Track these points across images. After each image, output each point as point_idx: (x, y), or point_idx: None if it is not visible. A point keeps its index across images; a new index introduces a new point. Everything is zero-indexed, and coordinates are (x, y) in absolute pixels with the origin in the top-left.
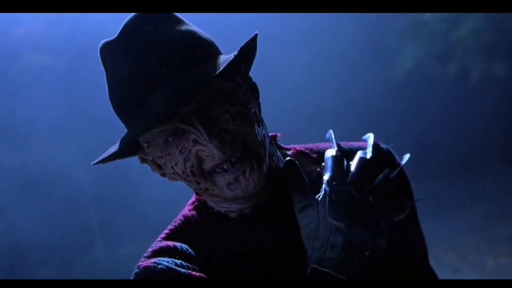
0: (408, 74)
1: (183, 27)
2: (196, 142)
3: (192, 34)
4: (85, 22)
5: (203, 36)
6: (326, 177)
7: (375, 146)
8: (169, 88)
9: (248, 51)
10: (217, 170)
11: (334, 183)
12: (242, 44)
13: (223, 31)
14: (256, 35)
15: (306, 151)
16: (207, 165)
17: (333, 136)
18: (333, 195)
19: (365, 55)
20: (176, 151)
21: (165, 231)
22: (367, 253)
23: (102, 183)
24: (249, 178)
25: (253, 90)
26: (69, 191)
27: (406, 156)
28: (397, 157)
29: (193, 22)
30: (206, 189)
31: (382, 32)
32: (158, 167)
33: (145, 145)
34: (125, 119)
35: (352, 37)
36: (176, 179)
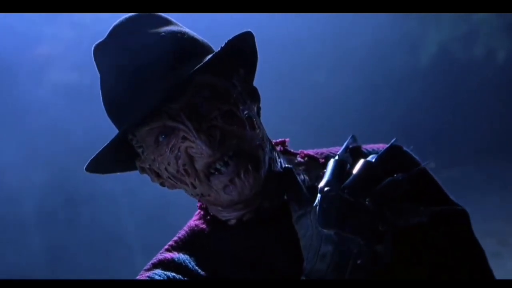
0: (434, 59)
1: (174, 28)
2: (184, 138)
3: (182, 34)
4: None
5: (195, 36)
6: (321, 183)
7: (390, 149)
8: (158, 86)
9: (248, 55)
10: (211, 171)
11: (326, 189)
12: (256, 45)
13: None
14: (249, 34)
15: (316, 155)
16: (199, 164)
17: (348, 140)
18: (323, 202)
19: (390, 43)
20: (167, 150)
21: (169, 243)
22: (358, 262)
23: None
24: (245, 181)
25: (252, 93)
26: (103, 205)
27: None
28: (418, 160)
29: (216, 22)
30: (202, 194)
31: (405, 18)
32: (157, 175)
33: (139, 150)
34: (116, 120)
35: (375, 25)
36: (174, 186)
